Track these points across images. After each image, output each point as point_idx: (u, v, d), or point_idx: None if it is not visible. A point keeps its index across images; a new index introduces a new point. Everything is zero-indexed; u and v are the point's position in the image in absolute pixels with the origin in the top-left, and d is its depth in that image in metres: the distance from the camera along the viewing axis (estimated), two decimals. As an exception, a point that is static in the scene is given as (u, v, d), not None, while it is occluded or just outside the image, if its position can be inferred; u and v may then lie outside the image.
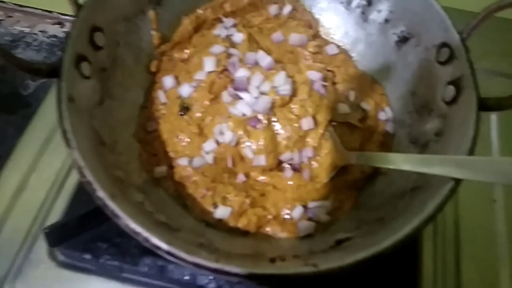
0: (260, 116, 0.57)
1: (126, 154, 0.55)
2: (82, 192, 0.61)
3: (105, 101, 0.55)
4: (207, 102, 0.59)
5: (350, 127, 0.60)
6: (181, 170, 0.56)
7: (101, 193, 0.41)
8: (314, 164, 0.57)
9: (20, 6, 0.91)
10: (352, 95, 0.63)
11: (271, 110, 0.57)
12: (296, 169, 0.57)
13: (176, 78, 0.62)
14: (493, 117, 0.73)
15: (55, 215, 0.61)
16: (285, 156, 0.57)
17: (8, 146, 0.69)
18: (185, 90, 0.60)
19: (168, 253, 0.39)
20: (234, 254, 0.46)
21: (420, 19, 0.58)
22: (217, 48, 0.62)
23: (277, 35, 0.66)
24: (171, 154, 0.58)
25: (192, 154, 0.57)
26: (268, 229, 0.53)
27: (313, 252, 0.47)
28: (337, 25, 0.70)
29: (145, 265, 0.56)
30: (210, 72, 0.60)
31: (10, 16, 0.91)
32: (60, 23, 0.91)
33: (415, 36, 0.59)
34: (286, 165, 0.58)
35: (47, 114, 0.72)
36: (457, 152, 0.46)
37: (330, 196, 0.56)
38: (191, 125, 0.58)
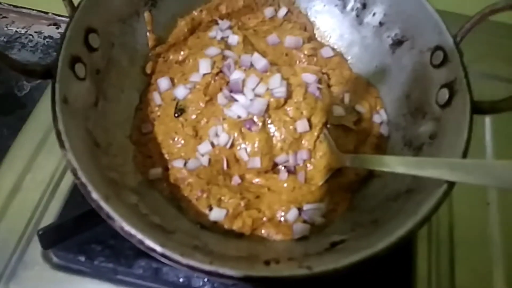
0: (255, 118, 0.57)
1: (120, 156, 0.55)
2: (77, 194, 0.61)
3: (100, 103, 0.55)
4: (202, 104, 0.59)
5: (345, 130, 0.60)
6: (176, 172, 0.56)
7: (95, 195, 0.41)
8: (309, 166, 0.57)
9: (16, 7, 0.91)
10: (347, 98, 0.63)
11: (266, 112, 0.57)
12: (291, 171, 0.57)
13: (172, 80, 0.62)
14: (487, 120, 0.74)
15: (49, 217, 0.61)
16: (280, 158, 0.57)
17: (3, 147, 0.68)
18: (181, 92, 0.60)
19: (162, 255, 0.39)
20: (228, 257, 0.46)
21: (414, 22, 0.59)
22: (213, 50, 0.62)
23: (272, 38, 0.66)
24: (166, 156, 0.58)
25: (187, 156, 0.57)
26: (263, 231, 0.53)
27: (308, 254, 0.47)
28: (332, 27, 0.70)
29: (140, 267, 0.56)
30: (205, 74, 0.60)
31: (5, 17, 0.91)
32: (56, 24, 0.91)
33: (410, 39, 0.60)
34: (281, 168, 0.58)
35: (42, 115, 0.71)
36: (451, 155, 0.46)
37: (325, 198, 0.56)
38: (186, 127, 0.58)
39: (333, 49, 0.68)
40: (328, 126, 0.59)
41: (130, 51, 0.62)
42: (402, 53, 0.61)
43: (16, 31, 0.90)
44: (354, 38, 0.68)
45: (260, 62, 0.59)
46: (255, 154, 0.56)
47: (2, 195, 0.62)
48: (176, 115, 0.60)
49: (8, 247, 0.58)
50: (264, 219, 0.54)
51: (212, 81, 0.59)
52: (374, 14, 0.64)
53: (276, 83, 0.57)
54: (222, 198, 0.54)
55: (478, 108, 0.47)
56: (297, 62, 0.65)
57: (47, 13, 0.91)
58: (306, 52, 0.65)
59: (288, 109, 0.57)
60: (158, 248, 0.39)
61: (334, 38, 0.70)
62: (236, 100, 0.58)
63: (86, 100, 0.52)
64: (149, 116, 0.61)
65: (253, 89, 0.57)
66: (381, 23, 0.64)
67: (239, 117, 0.57)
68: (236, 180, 0.57)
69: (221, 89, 0.59)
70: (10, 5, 0.91)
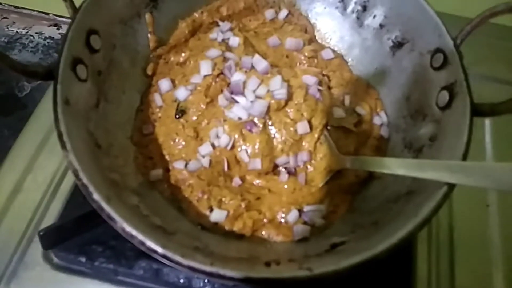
0: (256, 120, 0.57)
1: (121, 157, 0.55)
2: (78, 195, 0.61)
3: (101, 104, 0.55)
4: (203, 106, 0.59)
5: (345, 132, 0.60)
6: (177, 173, 0.56)
7: (96, 196, 0.41)
8: (310, 168, 0.57)
9: (16, 7, 0.91)
10: (347, 100, 0.63)
11: (267, 114, 0.57)
12: (291, 173, 0.57)
13: (173, 81, 0.63)
14: (487, 122, 0.74)
15: (50, 218, 0.61)
16: (280, 160, 0.57)
17: (3, 147, 0.69)
18: (181, 93, 0.60)
19: (164, 256, 0.39)
20: (229, 258, 0.46)
21: (414, 25, 0.59)
22: (214, 52, 0.62)
23: (273, 39, 0.67)
24: (167, 157, 0.58)
25: (188, 157, 0.57)
26: (263, 233, 0.53)
27: (308, 256, 0.47)
28: (332, 30, 0.70)
29: (141, 268, 0.56)
30: (206, 76, 0.60)
31: (6, 18, 0.91)
32: (56, 25, 0.91)
33: (410, 42, 0.60)
34: (281, 169, 0.58)
35: (42, 116, 0.72)
36: (451, 157, 0.46)
37: (325, 200, 0.56)
38: (187, 128, 0.59)
39: (333, 51, 0.68)
40: (329, 128, 0.59)
41: (131, 52, 0.62)
42: (402, 55, 0.61)
43: (16, 31, 0.90)
44: (354, 40, 0.68)
45: (261, 64, 0.60)
46: (255, 156, 0.56)
47: (3, 195, 0.63)
48: (177, 116, 0.60)
49: (9, 247, 0.58)
50: (265, 220, 0.54)
51: (213, 83, 0.60)
52: (374, 17, 0.65)
53: (276, 85, 0.57)
54: (223, 199, 0.54)
55: (478, 111, 0.48)
56: (298, 64, 0.66)
57: (47, 14, 0.91)
58: (306, 54, 0.65)
59: (288, 110, 0.57)
60: (159, 249, 0.39)
61: (334, 40, 0.70)
62: (237, 102, 0.58)
63: (88, 101, 0.52)
64: (150, 117, 0.61)
65: (254, 91, 0.57)
66: (381, 25, 0.64)
67: (240, 118, 0.57)
68: (236, 181, 0.57)
69: (222, 91, 0.60)
70: (11, 5, 0.91)
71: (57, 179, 0.64)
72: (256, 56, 0.61)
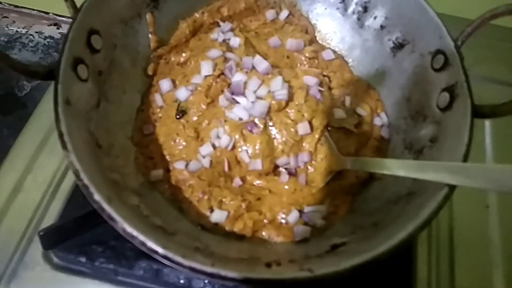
0: (256, 121, 0.57)
1: (122, 157, 0.55)
2: (78, 195, 0.61)
3: (102, 104, 0.55)
4: (203, 106, 0.59)
5: (345, 132, 0.61)
6: (178, 174, 0.56)
7: (97, 197, 0.41)
8: (310, 168, 0.57)
9: (16, 6, 0.91)
10: (347, 101, 0.63)
11: (268, 114, 0.57)
12: (292, 173, 0.57)
13: (173, 81, 0.63)
14: (487, 123, 0.74)
15: (50, 218, 0.61)
16: (281, 160, 0.57)
17: (3, 147, 0.68)
18: (182, 93, 0.60)
19: (164, 257, 0.39)
20: (229, 258, 0.46)
21: (415, 26, 0.59)
22: (214, 52, 0.62)
23: (273, 40, 0.67)
24: (168, 158, 0.58)
25: (188, 158, 0.57)
26: (264, 233, 0.53)
27: (309, 256, 0.47)
28: (333, 30, 0.70)
29: (141, 269, 0.56)
30: (207, 76, 0.60)
31: (6, 17, 0.91)
32: (56, 24, 0.91)
33: (410, 43, 0.60)
34: (282, 170, 0.58)
35: (43, 116, 0.71)
36: (451, 158, 0.46)
37: (326, 200, 0.56)
38: (187, 129, 0.59)
39: (334, 51, 0.68)
40: (329, 128, 0.59)
41: (132, 52, 0.62)
42: (403, 56, 0.61)
43: (16, 31, 0.90)
44: (355, 41, 0.68)
45: (261, 64, 0.60)
46: (256, 156, 0.56)
47: (3, 195, 0.62)
48: (178, 116, 0.60)
49: (9, 247, 0.58)
50: (265, 221, 0.54)
51: (214, 83, 0.60)
52: (375, 18, 0.65)
53: (277, 86, 0.57)
54: (223, 200, 0.54)
55: (479, 112, 0.48)
56: (298, 64, 0.66)
57: (47, 13, 0.91)
58: (307, 55, 0.66)
59: (289, 111, 0.57)
60: (160, 250, 0.39)
61: (335, 41, 0.70)
62: (237, 102, 0.58)
63: (88, 101, 0.52)
64: (150, 117, 0.61)
65: (255, 91, 0.57)
66: (382, 27, 0.64)
67: (240, 119, 0.57)
68: (237, 182, 0.57)
69: (222, 91, 0.60)
70: (11, 5, 0.91)
71: (57, 179, 0.64)
72: (257, 56, 0.61)
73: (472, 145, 0.46)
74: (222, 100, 0.59)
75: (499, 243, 0.63)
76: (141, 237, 0.40)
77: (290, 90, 0.58)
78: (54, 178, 0.64)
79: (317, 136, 0.57)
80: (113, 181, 0.49)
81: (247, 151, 0.57)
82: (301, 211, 0.55)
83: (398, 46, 0.62)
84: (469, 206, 0.65)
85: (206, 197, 0.54)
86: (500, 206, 0.66)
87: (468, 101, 0.48)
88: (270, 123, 0.57)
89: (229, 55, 0.62)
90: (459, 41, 0.53)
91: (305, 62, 0.66)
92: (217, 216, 0.53)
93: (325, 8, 0.70)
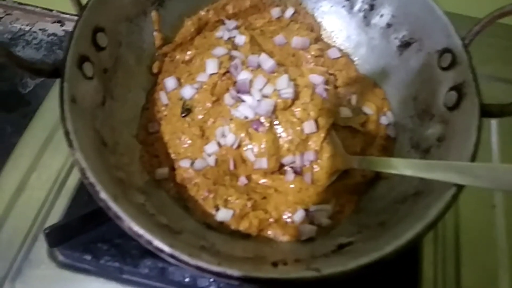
0: (262, 119, 0.56)
1: (127, 155, 0.55)
2: (83, 193, 0.61)
3: (107, 102, 0.55)
4: (209, 104, 0.59)
5: (352, 131, 0.60)
6: (183, 172, 0.56)
7: (103, 195, 0.41)
8: (316, 167, 0.57)
9: (20, 4, 0.91)
10: (354, 99, 0.63)
11: (273, 113, 0.57)
12: (297, 172, 0.57)
13: (178, 79, 0.62)
14: (494, 122, 0.73)
15: (55, 216, 0.61)
16: (287, 159, 0.57)
17: (7, 145, 0.68)
18: (187, 91, 0.60)
19: (171, 256, 0.39)
20: (235, 257, 0.46)
21: (422, 24, 0.58)
22: (220, 50, 0.62)
23: (279, 38, 0.66)
24: (173, 156, 0.58)
25: (194, 156, 0.57)
26: (269, 232, 0.53)
27: (315, 256, 0.47)
28: (339, 28, 0.70)
29: (146, 267, 0.56)
30: (212, 74, 0.60)
31: (10, 14, 0.91)
32: (60, 22, 0.91)
33: (417, 41, 0.59)
34: (287, 168, 0.58)
35: (47, 113, 0.71)
36: (459, 158, 0.46)
37: (332, 200, 0.56)
38: (193, 127, 0.58)
39: (340, 50, 0.68)
40: (335, 127, 0.59)
41: (137, 50, 0.62)
42: (410, 55, 0.61)
43: (20, 28, 0.89)
44: (361, 39, 0.68)
45: (267, 62, 0.59)
46: (262, 155, 0.56)
47: (7, 193, 0.63)
48: (183, 115, 0.60)
49: (14, 245, 0.58)
50: (271, 220, 0.54)
51: (219, 81, 0.59)
52: (381, 16, 0.64)
53: (283, 84, 0.57)
54: (229, 198, 0.54)
55: (487, 111, 0.47)
56: (304, 63, 0.65)
57: (51, 10, 0.91)
58: (313, 53, 0.65)
59: (295, 110, 0.57)
60: (166, 249, 0.39)
61: (341, 39, 0.70)
62: (243, 101, 0.58)
63: (94, 99, 0.52)
64: (155, 115, 0.61)
65: (261, 90, 0.57)
66: (388, 25, 0.64)
67: (246, 117, 0.57)
68: (242, 180, 0.57)
69: (228, 90, 0.59)
70: (15, 2, 0.91)
71: (62, 177, 0.64)
72: (263, 54, 0.61)
73: (479, 144, 0.45)
74: (227, 99, 0.59)
75: (505, 243, 0.62)
76: (148, 236, 0.39)
77: (296, 88, 0.57)
78: (59, 176, 0.64)
79: (323, 135, 0.57)
80: (119, 179, 0.49)
81: (252, 149, 0.56)
82: (307, 210, 0.55)
83: (405, 45, 0.61)
84: (475, 206, 0.65)
85: (211, 195, 0.54)
86: (506, 206, 0.65)
87: (476, 100, 0.48)
88: (276, 122, 0.57)
89: (234, 53, 0.62)
90: (466, 40, 0.52)
91: (310, 61, 0.65)
92: (223, 214, 0.53)
93: (331, 6, 0.70)
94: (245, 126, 0.57)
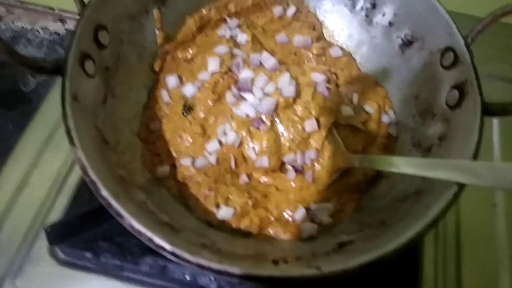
0: (263, 118, 0.56)
1: (128, 153, 0.55)
2: (84, 191, 0.62)
3: (109, 100, 0.55)
4: (210, 103, 0.59)
5: (353, 130, 0.60)
6: (184, 170, 0.56)
7: (105, 193, 0.41)
8: (317, 166, 0.57)
9: (22, 2, 0.91)
10: (355, 98, 0.63)
11: (275, 111, 0.57)
12: (298, 171, 0.57)
13: (180, 78, 0.62)
14: (495, 121, 0.73)
15: (56, 213, 0.61)
16: (288, 157, 0.57)
17: (9, 143, 0.68)
18: (189, 90, 0.60)
19: (172, 253, 0.39)
20: (236, 255, 0.46)
21: (424, 23, 0.58)
22: (221, 49, 0.62)
23: (281, 37, 0.66)
24: (174, 154, 0.58)
25: (195, 154, 0.57)
26: (270, 231, 0.53)
27: (316, 254, 0.47)
28: (341, 27, 0.70)
29: (146, 265, 0.56)
30: (214, 73, 0.60)
31: (11, 13, 0.91)
32: (62, 20, 0.90)
33: (420, 40, 0.59)
34: (289, 167, 0.58)
35: (48, 111, 0.71)
36: (460, 157, 0.46)
37: (333, 198, 0.56)
38: (194, 125, 0.58)
39: (341, 48, 0.68)
40: (336, 126, 0.59)
41: (139, 48, 0.62)
42: (412, 53, 0.60)
43: (22, 26, 0.89)
44: (363, 38, 0.67)
45: (269, 61, 0.59)
46: (263, 153, 0.56)
47: (8, 191, 0.63)
48: (184, 113, 0.60)
49: (15, 243, 0.58)
50: (272, 218, 0.54)
51: (221, 80, 0.59)
52: (384, 14, 0.64)
53: (285, 82, 0.57)
54: (230, 196, 0.54)
55: (489, 110, 0.47)
56: (306, 61, 0.66)
57: (53, 9, 0.90)
58: (314, 52, 0.65)
59: (296, 108, 0.57)
60: (167, 247, 0.39)
61: (342, 37, 0.70)
62: (244, 99, 0.58)
63: (95, 97, 0.52)
64: (157, 114, 0.61)
65: (262, 88, 0.57)
66: (390, 23, 0.64)
67: (247, 116, 0.57)
68: (243, 179, 0.57)
69: (229, 88, 0.59)
70: (17, 0, 0.91)
71: (63, 175, 0.64)
72: (264, 53, 0.61)
73: (481, 143, 0.45)
74: (229, 97, 0.59)
75: (506, 242, 0.62)
76: (149, 234, 0.40)
77: (297, 87, 0.57)
78: (60, 174, 0.64)
79: (324, 133, 0.57)
80: (120, 177, 0.49)
81: (254, 148, 0.56)
82: (307, 209, 0.55)
83: (407, 43, 0.61)
84: (476, 205, 0.65)
85: (212, 194, 0.54)
86: (507, 205, 0.65)
87: (478, 99, 0.48)
88: (277, 120, 0.57)
89: (236, 51, 0.62)
90: (469, 39, 0.52)
91: (312, 59, 0.65)
92: (224, 213, 0.53)
93: (333, 5, 0.69)
94: (247, 124, 0.57)
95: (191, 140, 0.58)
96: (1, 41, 0.43)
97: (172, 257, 0.39)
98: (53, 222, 0.57)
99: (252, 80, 0.58)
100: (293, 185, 0.56)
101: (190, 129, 0.58)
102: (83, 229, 0.57)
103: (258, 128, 0.56)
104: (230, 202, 0.54)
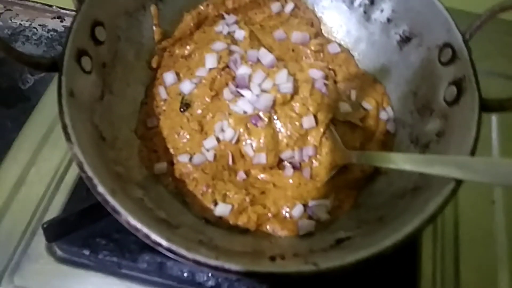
0: (261, 114, 0.56)
1: (126, 150, 0.55)
2: (81, 187, 0.61)
3: (106, 97, 0.54)
4: (208, 99, 0.59)
5: (351, 126, 0.60)
6: (181, 167, 0.56)
7: (101, 189, 0.41)
8: (315, 162, 0.57)
9: (20, -1, 0.91)
10: (353, 94, 0.63)
11: (272, 108, 0.56)
12: (296, 167, 0.57)
13: (177, 74, 0.62)
14: (494, 118, 0.73)
15: (54, 210, 0.61)
16: (285, 154, 0.57)
17: (7, 140, 0.68)
18: (186, 86, 0.60)
19: (168, 250, 0.39)
20: (234, 252, 0.46)
21: (422, 19, 0.58)
22: (219, 45, 0.62)
23: (279, 33, 0.66)
24: (172, 151, 0.58)
25: (192, 151, 0.57)
26: (268, 227, 0.53)
27: (313, 251, 0.47)
28: (339, 24, 0.70)
29: (144, 262, 0.56)
30: (211, 69, 0.60)
31: (10, 10, 0.91)
32: (60, 17, 0.90)
33: (418, 36, 0.59)
34: (286, 164, 0.57)
35: (46, 109, 0.71)
36: (458, 153, 0.46)
37: (330, 195, 0.56)
38: (191, 122, 0.58)
39: (340, 45, 0.68)
40: (334, 122, 0.59)
41: (136, 45, 0.62)
42: (410, 50, 0.60)
43: (20, 24, 0.89)
44: (361, 34, 0.67)
45: (267, 57, 0.59)
46: (260, 150, 0.56)
47: (6, 188, 0.62)
48: (182, 109, 0.59)
49: (12, 240, 0.58)
50: (269, 215, 0.54)
51: (218, 76, 0.59)
52: (382, 11, 0.64)
53: (282, 79, 0.57)
54: (227, 193, 0.54)
55: (487, 106, 0.47)
56: (304, 57, 0.65)
57: (51, 6, 0.90)
58: (312, 48, 0.65)
59: (294, 105, 0.57)
60: (164, 243, 0.39)
61: (341, 34, 0.70)
62: (242, 96, 0.57)
63: (92, 93, 0.52)
64: (154, 110, 0.61)
65: (260, 85, 0.57)
66: (389, 20, 0.63)
67: (245, 112, 0.57)
68: (241, 175, 0.57)
69: (227, 84, 0.59)
70: (15, -3, 0.91)
71: (60, 172, 0.64)
72: (262, 49, 0.60)
73: (479, 140, 0.45)
74: (226, 93, 0.58)
75: (505, 239, 0.62)
76: (145, 230, 0.39)
77: (295, 83, 0.57)
78: (57, 171, 0.64)
79: (322, 130, 0.57)
80: (117, 173, 0.49)
81: (251, 144, 0.56)
82: (305, 205, 0.55)
83: (405, 40, 0.61)
84: (475, 201, 0.64)
85: (210, 190, 0.54)
86: (506, 202, 0.65)
87: (476, 95, 0.47)
88: (275, 117, 0.57)
89: (234, 47, 0.62)
90: (467, 35, 0.52)
91: (310, 55, 0.65)
92: (221, 209, 0.53)
93: (331, 1, 0.69)
94: (244, 121, 0.56)
95: (188, 137, 0.58)
96: (-3, 37, 0.43)
97: (168, 254, 0.39)
98: (50, 219, 0.57)
99: (250, 77, 0.57)
100: (291, 181, 0.56)
101: (187, 126, 0.58)
102: (81, 226, 0.57)
103: (255, 125, 0.56)
104: (228, 199, 0.54)
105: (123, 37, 0.59)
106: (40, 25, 0.89)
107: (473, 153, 0.44)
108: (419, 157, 0.50)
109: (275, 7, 0.70)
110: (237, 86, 0.58)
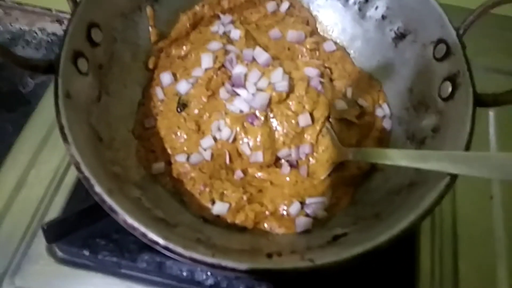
0: (257, 113, 0.57)
1: (123, 150, 0.55)
2: (81, 189, 0.62)
3: (103, 98, 0.55)
4: (204, 99, 0.59)
5: (347, 124, 0.60)
6: (179, 167, 0.56)
7: (98, 189, 0.41)
8: (312, 160, 0.57)
9: (19, 4, 0.91)
10: (349, 92, 0.63)
11: (268, 106, 0.57)
12: (293, 165, 0.57)
13: (174, 74, 0.63)
14: (491, 114, 0.73)
15: (53, 211, 0.61)
16: (282, 152, 0.57)
17: (7, 143, 0.69)
18: (183, 86, 0.60)
19: (165, 248, 0.39)
20: (231, 250, 0.46)
21: (417, 16, 0.58)
22: (215, 45, 0.62)
23: (274, 32, 0.66)
24: (169, 151, 0.58)
25: (189, 151, 0.57)
26: (265, 225, 0.53)
27: (310, 247, 0.47)
28: (334, 22, 0.70)
29: (144, 261, 0.57)
30: (207, 69, 0.60)
31: (9, 14, 0.91)
32: (59, 21, 0.91)
33: (412, 33, 0.59)
34: (283, 162, 0.58)
35: (45, 112, 0.72)
36: (453, 148, 0.46)
37: (327, 192, 0.56)
38: (188, 122, 0.59)
39: (335, 43, 0.68)
40: (331, 120, 0.59)
41: (132, 46, 0.62)
42: (405, 46, 0.61)
43: (20, 28, 0.90)
44: (356, 32, 0.67)
45: (262, 56, 0.60)
46: (257, 149, 0.56)
47: (6, 190, 0.63)
48: (179, 110, 0.60)
49: (13, 241, 0.59)
50: (267, 213, 0.54)
51: (214, 76, 0.60)
52: (376, 8, 0.64)
53: (278, 77, 0.57)
54: (225, 192, 0.54)
55: (481, 101, 0.47)
56: (299, 56, 0.66)
57: (50, 10, 0.91)
58: (308, 46, 0.65)
59: (290, 103, 0.57)
60: (161, 241, 0.39)
61: (336, 32, 0.70)
62: (238, 95, 0.58)
63: (89, 95, 0.52)
64: (151, 111, 0.61)
65: (255, 83, 0.57)
66: (383, 17, 0.64)
67: (241, 111, 0.57)
68: (238, 174, 0.57)
69: (223, 84, 0.59)
70: (14, 2, 0.91)
71: (60, 174, 0.64)
72: (257, 48, 0.61)
73: (476, 136, 0.45)
74: (222, 93, 0.59)
75: (503, 234, 0.62)
76: (142, 229, 0.40)
77: (290, 81, 0.58)
78: (57, 173, 0.65)
79: (318, 127, 0.57)
80: (115, 174, 0.49)
81: (248, 143, 0.56)
82: (302, 203, 0.55)
83: (400, 37, 0.61)
84: (473, 197, 0.65)
85: (207, 189, 0.55)
86: (504, 197, 0.65)
87: (470, 90, 0.48)
88: (271, 115, 0.57)
89: (229, 47, 0.62)
90: (461, 30, 0.52)
91: (306, 54, 0.65)
92: (219, 208, 0.53)
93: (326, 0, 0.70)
94: (241, 120, 0.57)
95: (185, 137, 0.58)
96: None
97: (166, 252, 0.40)
98: (50, 220, 0.57)
99: (245, 76, 0.58)
100: (288, 179, 0.57)
101: (184, 126, 0.58)
102: (80, 227, 0.58)
103: (252, 124, 0.56)
104: (225, 198, 0.54)
105: (119, 38, 0.59)
106: (39, 29, 0.90)
107: (467, 148, 0.45)
108: (414, 153, 0.50)
109: (270, 6, 0.70)
110: (233, 86, 0.58)
